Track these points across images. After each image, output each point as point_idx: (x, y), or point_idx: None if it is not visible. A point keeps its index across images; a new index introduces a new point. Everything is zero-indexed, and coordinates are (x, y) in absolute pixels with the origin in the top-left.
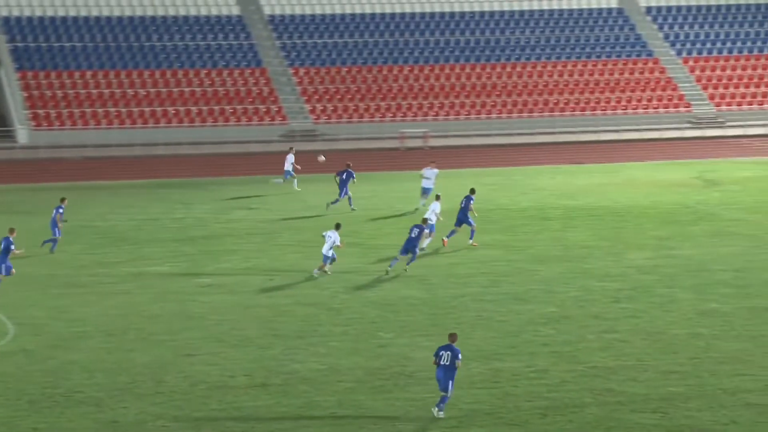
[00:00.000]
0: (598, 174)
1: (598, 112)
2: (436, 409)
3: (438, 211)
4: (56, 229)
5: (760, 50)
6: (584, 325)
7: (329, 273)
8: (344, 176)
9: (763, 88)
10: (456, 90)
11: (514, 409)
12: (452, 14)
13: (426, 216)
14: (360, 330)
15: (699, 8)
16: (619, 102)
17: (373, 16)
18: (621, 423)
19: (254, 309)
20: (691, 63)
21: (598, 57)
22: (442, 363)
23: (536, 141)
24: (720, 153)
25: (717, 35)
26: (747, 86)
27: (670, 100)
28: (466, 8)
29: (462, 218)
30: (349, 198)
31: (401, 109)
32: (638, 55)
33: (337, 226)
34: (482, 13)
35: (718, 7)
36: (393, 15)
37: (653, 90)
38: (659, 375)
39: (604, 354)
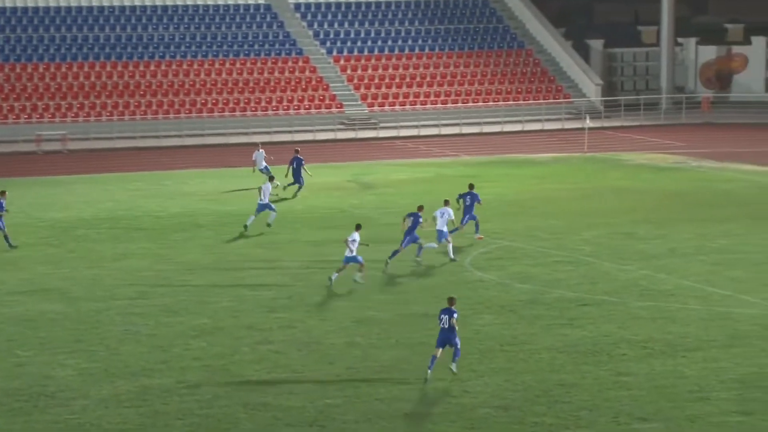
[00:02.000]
0: (243, 179)
1: (249, 112)
2: (454, 365)
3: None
4: None
5: (411, 49)
6: (238, 337)
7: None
8: (294, 164)
9: (415, 88)
10: (97, 89)
11: (165, 428)
12: (90, 8)
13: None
14: None
15: (348, 5)
16: (270, 102)
17: (3, 10)
18: None
19: None
20: (342, 62)
21: (247, 55)
22: (442, 326)
23: (185, 143)
24: (374, 155)
25: (368, 33)
26: (399, 86)
27: (322, 100)
28: (105, 2)
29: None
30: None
31: (37, 109)
32: (288, 54)
33: (358, 227)
34: (123, 8)
35: (368, 5)
36: (26, 9)
37: (304, 90)
38: (316, 386)
39: (259, 366)
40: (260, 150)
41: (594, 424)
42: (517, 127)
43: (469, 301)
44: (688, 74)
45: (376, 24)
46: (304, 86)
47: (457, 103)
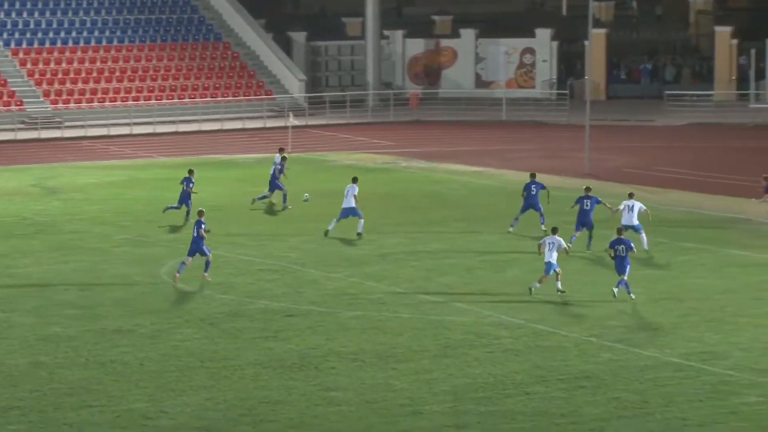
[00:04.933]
0: None
1: None
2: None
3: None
4: None
5: (98, 41)
6: None
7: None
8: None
9: (103, 84)
10: None
11: None
12: None
13: None
14: None
15: None
16: None
17: None
18: None
19: None
20: (21, 55)
21: None
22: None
23: None
24: (59, 157)
25: (49, 23)
26: (86, 81)
27: None
28: None
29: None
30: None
31: None
32: None
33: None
34: None
35: None
36: None
37: None
38: None
39: None
40: None
41: None
42: (216, 126)
43: (166, 315)
44: (395, 69)
45: (59, 13)
46: None
47: (150, 99)
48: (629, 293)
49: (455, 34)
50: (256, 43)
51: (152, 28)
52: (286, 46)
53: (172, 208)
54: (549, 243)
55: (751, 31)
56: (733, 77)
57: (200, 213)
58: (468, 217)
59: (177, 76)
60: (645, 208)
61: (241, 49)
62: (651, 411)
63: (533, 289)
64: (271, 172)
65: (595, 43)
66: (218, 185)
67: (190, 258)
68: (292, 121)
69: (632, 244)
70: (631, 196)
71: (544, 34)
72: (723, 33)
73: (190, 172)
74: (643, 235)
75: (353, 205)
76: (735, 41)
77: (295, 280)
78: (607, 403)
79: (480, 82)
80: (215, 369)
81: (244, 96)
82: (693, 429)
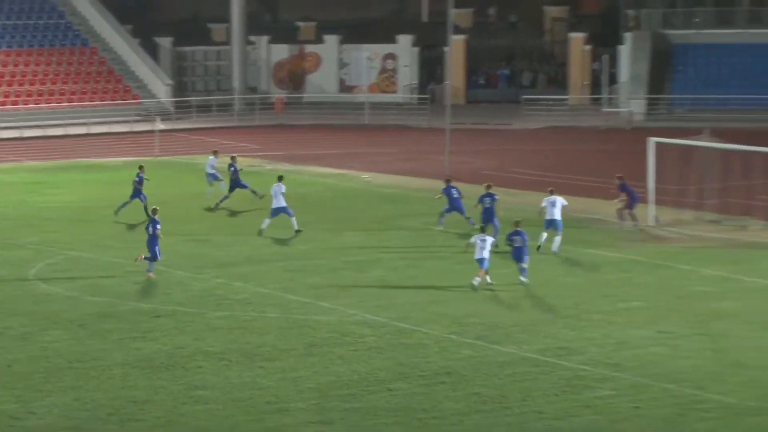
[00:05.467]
0: None
1: None
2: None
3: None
4: None
5: None
6: None
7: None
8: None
9: (4, 87)
10: None
11: None
12: None
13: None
14: None
15: None
16: None
17: None
18: None
19: None
20: None
21: None
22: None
23: None
24: None
25: None
26: None
27: None
28: None
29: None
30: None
31: None
32: None
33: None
34: None
35: None
36: None
37: None
38: None
39: None
40: None
41: None
42: (83, 130)
43: (34, 317)
44: (260, 74)
45: None
46: None
47: (17, 104)
48: (524, 278)
49: (319, 40)
50: (123, 48)
51: (19, 33)
52: (153, 52)
53: (124, 206)
54: (480, 241)
55: (603, 38)
56: (587, 82)
57: (155, 212)
58: (332, 218)
59: (44, 81)
60: (566, 203)
61: (108, 54)
62: (509, 405)
63: (475, 284)
64: (231, 172)
65: (455, 49)
66: (86, 188)
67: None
68: (159, 125)
69: (526, 237)
70: (552, 192)
71: (405, 40)
72: (577, 39)
73: (141, 168)
74: (560, 238)
75: (283, 204)
76: (588, 47)
77: (163, 281)
78: (467, 397)
79: (343, 87)
80: (83, 370)
81: (111, 100)
82: (549, 422)
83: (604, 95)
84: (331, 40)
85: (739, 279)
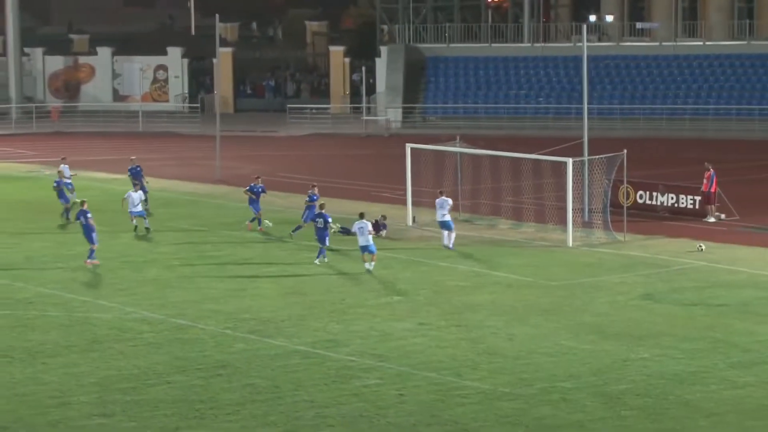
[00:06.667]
0: None
1: None
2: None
3: None
4: None
5: None
6: None
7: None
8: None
9: None
10: None
11: None
12: None
13: None
14: None
15: None
16: None
17: None
18: None
19: None
20: None
21: None
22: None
23: None
24: None
25: None
26: None
27: None
28: None
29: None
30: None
31: None
32: None
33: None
34: None
35: None
36: None
37: None
38: None
39: None
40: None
41: None
42: None
43: None
44: (36, 84)
45: None
46: None
47: None
48: (323, 257)
49: (93, 52)
50: None
51: None
52: None
53: (66, 209)
54: (359, 227)
55: (361, 51)
56: (347, 92)
57: (83, 203)
58: (109, 221)
59: None
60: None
61: None
62: (282, 395)
63: (369, 268)
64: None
65: (223, 60)
66: None
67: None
68: None
69: (330, 219)
70: (441, 193)
71: (175, 52)
72: (337, 52)
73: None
74: (454, 234)
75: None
76: (348, 59)
77: None
78: (243, 388)
79: (117, 96)
80: None
81: None
82: (319, 410)
83: (364, 104)
84: (104, 52)
85: (490, 274)
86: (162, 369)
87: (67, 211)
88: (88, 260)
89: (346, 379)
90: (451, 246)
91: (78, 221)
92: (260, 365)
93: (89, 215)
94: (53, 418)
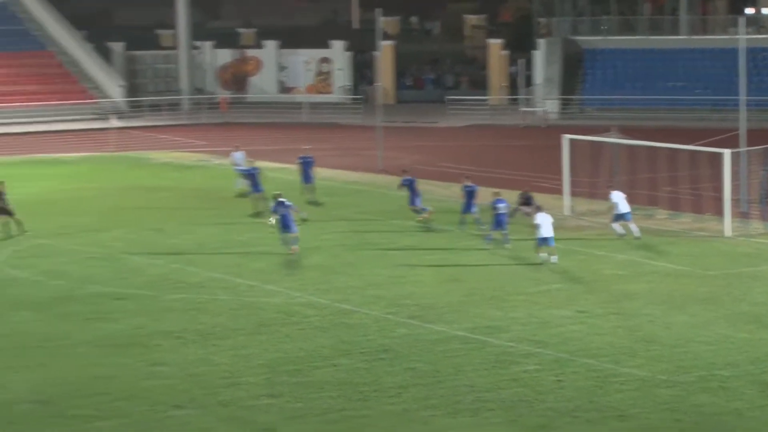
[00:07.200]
0: None
1: None
2: None
3: None
4: None
5: None
6: None
7: None
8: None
9: None
10: None
11: None
12: None
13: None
14: None
15: None
16: None
17: None
18: None
19: None
20: None
21: None
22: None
23: None
24: None
25: None
26: None
27: None
28: None
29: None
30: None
31: None
32: None
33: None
34: None
35: None
36: None
37: None
38: None
39: None
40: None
41: (131, 413)
42: (43, 128)
43: (4, 299)
44: (206, 76)
45: None
46: None
47: None
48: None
49: (259, 45)
50: (78, 52)
51: None
52: (106, 56)
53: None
54: (540, 220)
55: (518, 44)
56: (505, 84)
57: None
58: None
59: (5, 82)
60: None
61: (64, 58)
62: (442, 379)
63: (552, 259)
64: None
65: (384, 53)
66: (47, 181)
67: None
68: (114, 123)
69: (296, 207)
70: (610, 187)
71: (338, 46)
72: (495, 45)
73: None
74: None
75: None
76: (506, 52)
77: (122, 267)
78: (404, 372)
79: (283, 88)
80: (51, 348)
81: (68, 100)
82: (479, 394)
83: (521, 96)
84: (270, 45)
85: (647, 263)
86: (327, 352)
87: (262, 200)
88: (294, 246)
89: (506, 364)
90: (639, 234)
91: (275, 213)
92: (421, 350)
93: (290, 205)
94: (224, 398)
